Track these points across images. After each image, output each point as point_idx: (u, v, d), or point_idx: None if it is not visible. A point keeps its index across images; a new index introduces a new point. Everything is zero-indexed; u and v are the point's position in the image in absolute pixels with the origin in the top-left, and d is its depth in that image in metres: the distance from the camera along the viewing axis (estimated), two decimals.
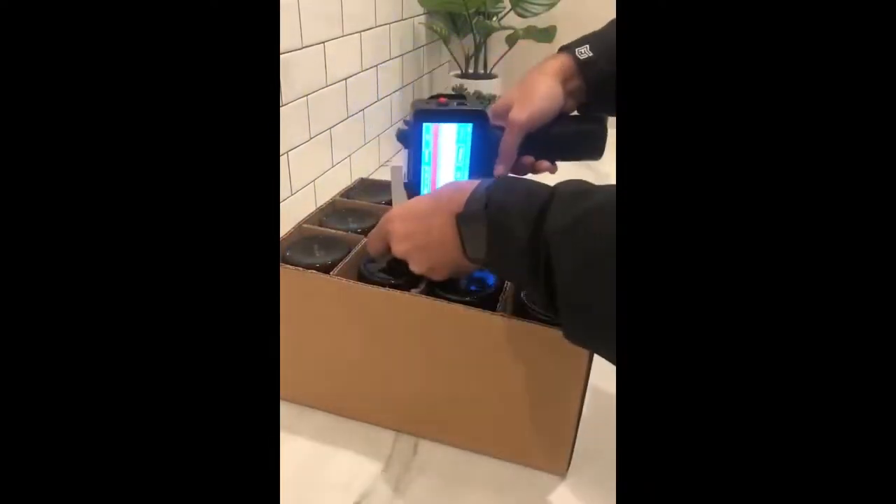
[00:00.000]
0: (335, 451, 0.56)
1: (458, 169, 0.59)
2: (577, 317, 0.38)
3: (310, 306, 0.55)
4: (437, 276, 0.50)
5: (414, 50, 1.31)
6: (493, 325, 0.49)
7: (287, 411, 0.60)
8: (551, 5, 1.32)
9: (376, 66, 1.11)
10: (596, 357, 0.48)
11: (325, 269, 0.55)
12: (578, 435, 0.53)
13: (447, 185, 0.48)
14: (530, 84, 0.57)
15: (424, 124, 0.56)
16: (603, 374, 0.49)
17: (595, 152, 0.60)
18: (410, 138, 0.57)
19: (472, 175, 0.59)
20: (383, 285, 0.52)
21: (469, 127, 0.56)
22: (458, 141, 0.57)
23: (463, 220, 0.44)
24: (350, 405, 0.59)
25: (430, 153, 0.57)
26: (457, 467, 0.55)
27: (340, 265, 0.56)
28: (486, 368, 0.51)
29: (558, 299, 0.38)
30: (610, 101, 0.58)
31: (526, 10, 1.32)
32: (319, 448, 0.57)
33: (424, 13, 1.32)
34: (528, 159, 0.60)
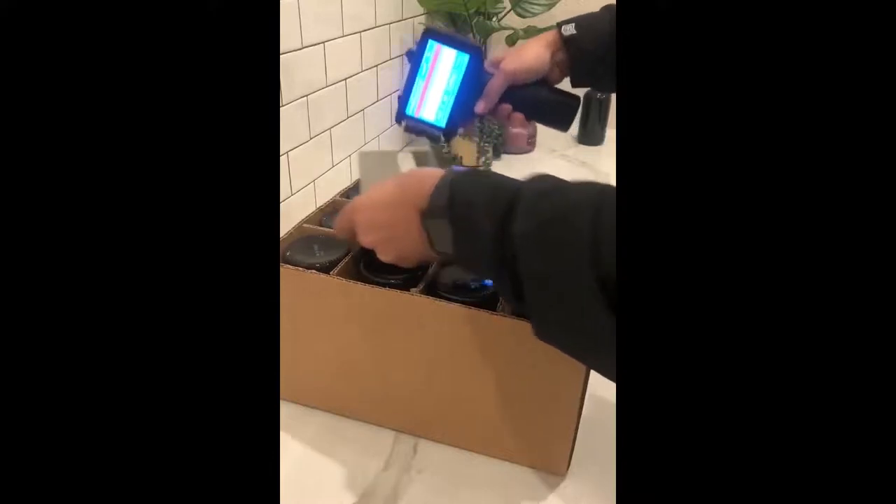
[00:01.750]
0: (335, 451, 0.56)
1: (446, 93, 0.66)
2: (547, 315, 0.38)
3: (310, 306, 0.55)
4: (407, 265, 0.50)
5: None
6: (493, 325, 0.49)
7: (287, 411, 0.60)
8: (551, 5, 1.32)
9: (376, 66, 1.11)
10: None
11: (325, 269, 0.55)
12: (578, 435, 0.53)
13: (410, 174, 0.47)
14: (525, 46, 0.67)
15: (430, 41, 0.63)
16: None
17: (563, 123, 0.70)
18: (415, 54, 0.64)
19: (456, 102, 0.65)
20: (383, 285, 0.52)
21: (466, 58, 0.63)
22: (454, 68, 0.64)
23: (427, 215, 0.43)
24: (350, 405, 0.59)
25: (427, 68, 0.64)
26: (457, 467, 0.55)
27: (340, 265, 0.56)
28: (486, 368, 0.51)
29: (525, 298, 0.38)
30: (586, 75, 0.68)
31: (526, 11, 1.32)
32: (319, 448, 0.57)
33: (424, 13, 1.32)
34: (507, 107, 0.67)
